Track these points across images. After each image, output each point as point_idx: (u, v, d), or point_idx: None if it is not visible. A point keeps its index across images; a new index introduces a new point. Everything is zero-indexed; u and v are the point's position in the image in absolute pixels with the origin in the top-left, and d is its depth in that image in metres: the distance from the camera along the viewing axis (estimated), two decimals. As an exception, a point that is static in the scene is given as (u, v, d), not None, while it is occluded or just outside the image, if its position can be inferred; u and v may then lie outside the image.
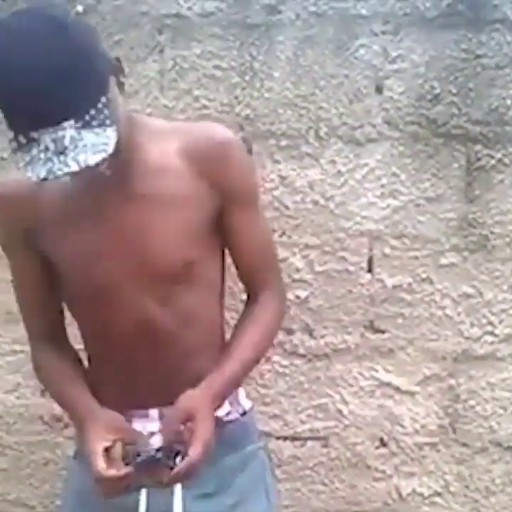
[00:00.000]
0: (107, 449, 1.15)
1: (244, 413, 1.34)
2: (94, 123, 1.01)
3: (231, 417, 1.30)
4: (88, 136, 1.01)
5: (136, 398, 1.25)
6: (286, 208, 1.72)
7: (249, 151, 1.70)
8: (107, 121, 1.02)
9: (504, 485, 1.78)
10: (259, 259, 1.32)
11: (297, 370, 1.76)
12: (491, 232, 1.71)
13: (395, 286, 1.73)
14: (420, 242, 1.72)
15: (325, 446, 1.78)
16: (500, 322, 1.74)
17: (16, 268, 1.33)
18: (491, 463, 1.77)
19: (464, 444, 1.77)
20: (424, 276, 1.73)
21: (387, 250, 1.72)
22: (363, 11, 1.67)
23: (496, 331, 1.74)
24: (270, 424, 1.77)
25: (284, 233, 1.72)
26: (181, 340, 1.25)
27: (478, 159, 1.69)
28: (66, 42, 1.01)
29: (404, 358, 1.75)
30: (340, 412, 1.77)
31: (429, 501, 1.79)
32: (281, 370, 1.76)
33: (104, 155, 1.01)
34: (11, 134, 1.03)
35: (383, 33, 1.67)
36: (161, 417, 1.25)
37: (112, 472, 1.12)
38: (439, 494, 1.78)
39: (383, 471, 1.78)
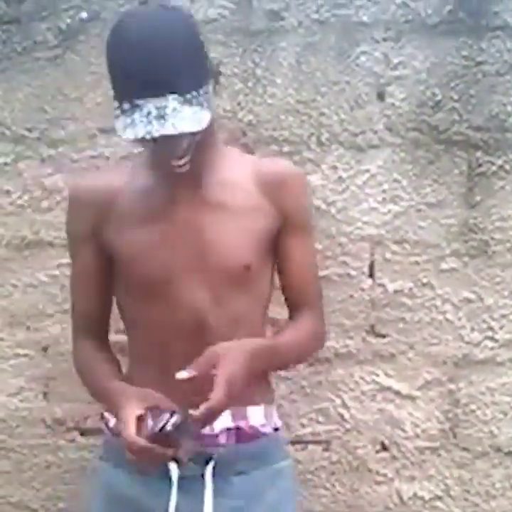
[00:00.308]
0: (139, 418, 1.16)
1: (276, 429, 1.37)
2: (194, 102, 1.15)
3: (265, 429, 1.33)
4: (187, 111, 1.14)
5: (174, 400, 1.23)
6: (288, 213, 1.73)
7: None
8: (205, 104, 1.17)
9: (504, 489, 1.78)
10: (304, 283, 1.40)
11: (299, 374, 1.77)
12: (492, 238, 1.72)
13: (396, 291, 1.74)
14: (421, 247, 1.73)
15: (326, 450, 1.78)
16: (501, 327, 1.75)
17: (78, 266, 1.41)
18: (491, 467, 1.78)
19: (465, 449, 1.78)
20: (425, 281, 1.74)
21: (388, 255, 1.73)
22: (365, 18, 1.68)
23: (497, 336, 1.75)
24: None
25: (285, 238, 1.73)
26: (228, 326, 1.30)
27: (479, 165, 1.70)
28: (188, 29, 1.19)
29: (405, 363, 1.76)
30: (341, 416, 1.78)
31: (430, 505, 1.79)
32: (282, 374, 1.76)
33: (198, 127, 1.14)
34: (116, 103, 1.17)
35: (385, 40, 1.68)
36: (234, 419, 1.29)
37: (142, 441, 1.13)
38: (439, 498, 1.79)
39: (384, 475, 1.79)
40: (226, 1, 1.68)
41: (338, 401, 1.77)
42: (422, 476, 1.78)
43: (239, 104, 1.70)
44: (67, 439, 1.81)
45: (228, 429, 1.28)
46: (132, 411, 1.16)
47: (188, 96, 1.14)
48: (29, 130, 1.74)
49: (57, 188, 1.75)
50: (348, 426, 1.78)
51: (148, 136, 1.12)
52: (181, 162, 1.21)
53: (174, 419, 1.14)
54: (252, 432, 1.30)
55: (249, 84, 1.69)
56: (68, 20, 1.71)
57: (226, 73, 1.69)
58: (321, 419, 1.78)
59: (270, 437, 1.35)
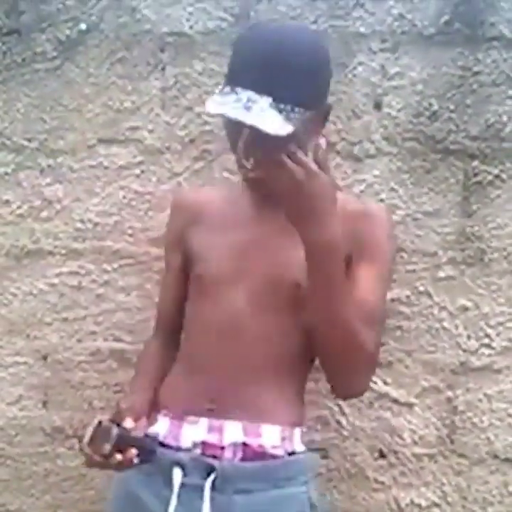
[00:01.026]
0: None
1: (292, 453, 1.30)
2: (284, 113, 1.15)
3: (276, 451, 1.28)
4: (272, 115, 1.14)
5: (192, 406, 1.30)
6: (286, 222, 1.74)
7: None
8: (293, 121, 1.15)
9: (501, 496, 1.79)
10: (363, 316, 1.24)
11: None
12: (488, 246, 1.73)
13: (393, 299, 1.75)
14: (418, 255, 1.74)
15: (324, 457, 1.79)
16: (498, 335, 1.76)
17: (166, 269, 1.54)
18: (488, 474, 1.78)
19: (462, 456, 1.78)
20: (422, 289, 1.75)
21: (385, 264, 1.74)
22: (362, 29, 1.69)
23: (493, 344, 1.76)
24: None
25: (283, 247, 1.74)
26: (259, 353, 1.31)
27: (476, 175, 1.72)
28: (319, 53, 1.23)
29: (403, 370, 1.77)
30: (339, 423, 1.79)
31: (427, 512, 1.80)
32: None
33: (270, 131, 1.12)
34: (221, 86, 1.22)
35: (381, 50, 1.70)
36: (209, 428, 1.28)
37: (87, 449, 1.24)
38: (437, 505, 1.80)
39: (382, 482, 1.79)
40: (224, 13, 1.69)
41: (335, 408, 1.78)
42: (419, 483, 1.79)
43: (237, 114, 1.71)
44: (66, 447, 1.82)
45: (235, 444, 1.26)
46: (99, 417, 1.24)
47: (282, 106, 1.16)
48: (29, 140, 1.75)
49: (57, 197, 1.76)
50: (345, 433, 1.79)
51: (226, 115, 1.16)
52: (245, 162, 1.21)
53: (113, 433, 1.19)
54: (260, 452, 1.26)
55: (248, 94, 1.70)
56: (68, 32, 1.72)
57: (224, 84, 1.70)
58: (318, 426, 1.79)
59: (282, 461, 1.28)
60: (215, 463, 1.25)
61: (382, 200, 1.72)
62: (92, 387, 1.78)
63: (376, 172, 1.72)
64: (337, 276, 1.17)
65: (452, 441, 1.78)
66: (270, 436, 1.27)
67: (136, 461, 1.19)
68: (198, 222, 1.42)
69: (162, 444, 1.29)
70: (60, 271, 1.77)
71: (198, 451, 1.27)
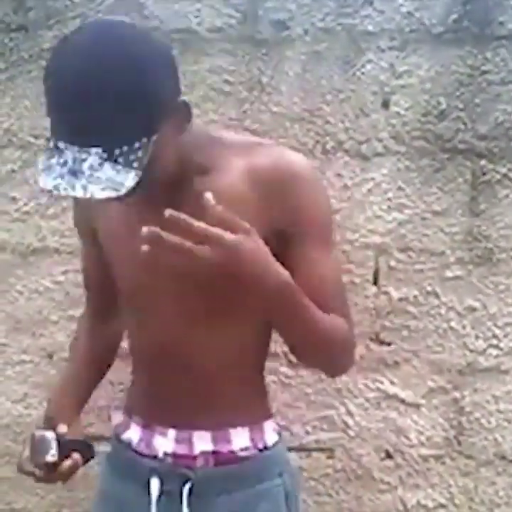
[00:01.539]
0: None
1: (264, 448, 1.27)
2: (120, 160, 0.98)
3: (247, 453, 1.24)
4: (108, 171, 0.97)
5: (160, 414, 1.25)
6: (293, 220, 1.73)
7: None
8: (135, 164, 0.98)
9: (508, 497, 1.78)
10: (318, 299, 1.11)
11: (303, 381, 1.77)
12: (496, 246, 1.73)
13: (400, 299, 1.74)
14: (426, 255, 1.73)
15: (330, 457, 1.79)
16: (505, 335, 1.75)
17: (83, 250, 1.40)
18: (495, 475, 1.78)
19: (469, 457, 1.78)
20: (429, 289, 1.74)
21: (392, 263, 1.74)
22: (370, 28, 1.69)
23: (501, 344, 1.75)
24: (276, 436, 1.77)
25: (290, 246, 1.73)
26: (210, 361, 1.22)
27: (484, 174, 1.71)
28: (126, 67, 0.97)
29: (410, 371, 1.76)
30: (345, 423, 1.78)
31: (434, 513, 1.79)
32: (287, 381, 1.77)
33: (112, 195, 0.97)
34: (51, 142, 1.01)
35: (390, 48, 1.69)
36: (177, 439, 1.23)
37: (29, 467, 1.21)
38: (443, 506, 1.79)
39: (388, 483, 1.79)
40: (232, 10, 1.69)
41: (342, 409, 1.77)
42: (426, 484, 1.78)
43: (244, 112, 1.71)
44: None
45: (206, 453, 1.22)
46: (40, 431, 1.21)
47: (116, 152, 0.97)
48: (36, 137, 1.75)
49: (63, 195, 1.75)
50: (352, 434, 1.78)
51: (55, 192, 0.99)
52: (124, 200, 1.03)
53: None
54: (232, 457, 1.23)
55: (255, 92, 1.70)
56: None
57: (232, 81, 1.70)
58: (325, 426, 1.78)
59: (254, 459, 1.25)
60: (189, 472, 1.22)
61: (389, 199, 1.72)
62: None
63: (384, 171, 1.71)
64: (300, 310, 1.07)
65: (459, 442, 1.77)
66: (239, 440, 1.23)
67: (80, 462, 1.21)
68: (102, 225, 1.25)
69: (136, 451, 1.27)
70: (66, 269, 1.77)
71: (170, 460, 1.23)
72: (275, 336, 1.74)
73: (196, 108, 1.71)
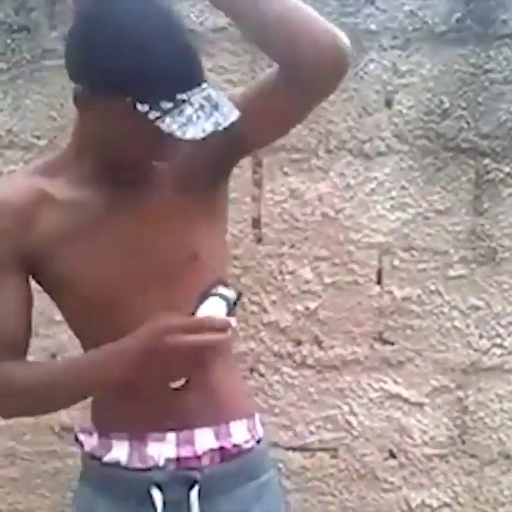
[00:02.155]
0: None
1: (259, 440, 1.26)
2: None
3: (249, 445, 1.23)
4: (221, 95, 1.05)
5: (153, 420, 1.16)
6: (296, 220, 1.73)
7: (260, 163, 1.72)
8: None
9: (513, 496, 1.78)
10: None
11: (306, 381, 1.77)
12: (500, 245, 1.72)
13: (403, 298, 1.74)
14: (429, 254, 1.73)
15: (334, 457, 1.78)
16: (509, 334, 1.74)
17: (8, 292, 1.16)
18: (499, 474, 1.77)
19: (473, 456, 1.77)
20: (432, 288, 1.74)
21: (396, 262, 1.74)
22: (373, 26, 1.68)
23: (505, 343, 1.75)
24: (279, 435, 1.77)
25: (293, 245, 1.73)
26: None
27: (487, 173, 1.71)
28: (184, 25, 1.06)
29: (413, 370, 1.76)
30: (349, 423, 1.78)
31: (438, 513, 1.79)
32: (290, 381, 1.77)
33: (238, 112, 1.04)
34: (146, 106, 0.99)
35: (392, 47, 1.69)
36: (178, 442, 1.17)
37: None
38: (448, 506, 1.79)
39: (392, 483, 1.78)
40: (235, 9, 1.69)
41: (345, 408, 1.77)
42: (430, 484, 1.78)
43: (247, 111, 1.70)
44: (75, 446, 1.81)
45: (211, 450, 1.18)
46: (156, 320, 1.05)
47: (208, 81, 1.05)
48: (38, 138, 1.75)
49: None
50: (355, 433, 1.78)
51: (219, 129, 1.01)
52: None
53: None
54: (236, 451, 1.20)
55: (258, 92, 1.70)
56: (77, 29, 1.72)
57: (235, 81, 1.70)
58: (328, 426, 1.78)
59: (254, 451, 1.24)
60: (196, 474, 1.16)
61: (393, 198, 1.72)
62: (101, 386, 1.77)
63: (387, 170, 1.71)
64: None
65: (463, 442, 1.77)
66: (240, 433, 1.21)
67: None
68: (38, 236, 1.13)
69: (125, 468, 1.17)
70: (69, 269, 1.77)
71: (172, 467, 1.16)
72: (278, 336, 1.75)
73: (199, 108, 1.71)
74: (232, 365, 1.30)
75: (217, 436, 1.19)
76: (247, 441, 1.23)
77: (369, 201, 1.72)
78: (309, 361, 1.76)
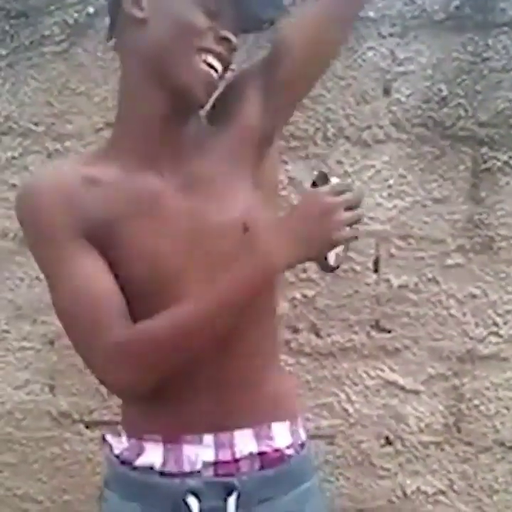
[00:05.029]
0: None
1: (302, 444, 1.21)
2: None
3: (291, 451, 1.16)
4: None
5: (188, 420, 1.11)
6: (294, 208, 1.73)
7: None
8: None
9: (507, 484, 1.79)
10: None
11: (303, 368, 1.77)
12: (497, 234, 1.73)
13: (400, 286, 1.74)
14: (426, 242, 1.73)
15: (330, 444, 1.79)
16: (505, 323, 1.75)
17: (75, 259, 1.08)
18: (494, 462, 1.78)
19: (468, 443, 1.78)
20: (429, 276, 1.74)
21: (393, 251, 1.74)
22: (371, 14, 1.68)
23: (501, 332, 1.75)
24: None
25: (291, 233, 1.73)
26: (246, 340, 1.12)
27: (485, 161, 1.71)
28: None
29: (410, 358, 1.76)
30: (345, 410, 1.78)
31: (433, 500, 1.80)
32: (287, 368, 1.77)
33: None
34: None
35: (391, 35, 1.69)
36: (216, 444, 1.11)
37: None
38: (443, 493, 1.80)
39: (388, 470, 1.79)
40: (233, -4, 1.68)
41: (342, 395, 1.78)
42: (425, 471, 1.79)
43: (245, 99, 1.70)
44: (73, 431, 1.82)
45: (251, 455, 1.12)
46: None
47: None
48: (36, 124, 1.75)
49: None
50: (352, 420, 1.79)
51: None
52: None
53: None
54: (277, 456, 1.13)
55: (256, 79, 1.70)
56: (75, 15, 1.71)
57: (232, 69, 1.69)
58: (325, 413, 1.78)
59: (296, 458, 1.17)
60: (234, 481, 1.10)
61: (390, 187, 1.72)
62: (99, 372, 1.78)
63: (385, 158, 1.71)
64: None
65: (459, 429, 1.78)
66: (282, 437, 1.15)
67: None
68: (98, 215, 1.09)
69: (162, 474, 1.11)
70: (67, 256, 1.77)
71: (210, 472, 1.11)
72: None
73: (197, 95, 1.71)
74: (274, 357, 1.23)
75: (257, 438, 1.13)
76: (289, 447, 1.16)
77: (366, 189, 1.72)
78: (306, 349, 1.77)
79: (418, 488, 1.80)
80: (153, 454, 1.11)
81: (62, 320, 1.12)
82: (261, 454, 1.12)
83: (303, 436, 1.22)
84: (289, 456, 1.15)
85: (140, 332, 1.05)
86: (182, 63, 1.09)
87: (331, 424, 1.79)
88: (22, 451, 1.84)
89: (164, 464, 1.11)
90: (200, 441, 1.11)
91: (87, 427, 1.82)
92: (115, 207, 1.10)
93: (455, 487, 1.79)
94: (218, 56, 1.12)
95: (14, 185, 1.76)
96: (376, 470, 1.79)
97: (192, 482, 1.09)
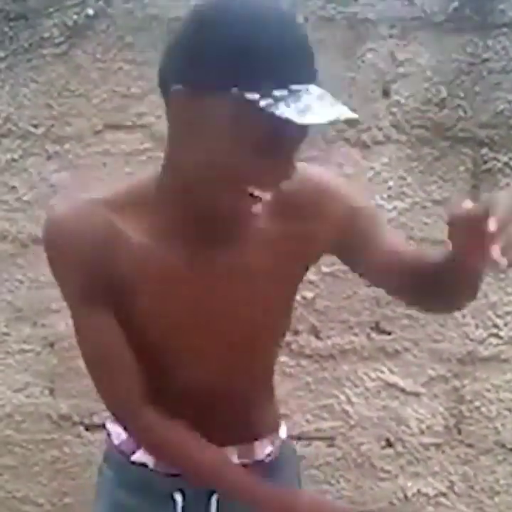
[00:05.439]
0: None
1: (281, 443, 1.25)
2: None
3: (272, 457, 1.22)
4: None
5: (211, 436, 1.12)
6: (294, 209, 1.73)
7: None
8: None
9: (508, 486, 1.79)
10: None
11: (303, 370, 1.77)
12: (497, 235, 1.72)
13: (401, 288, 1.74)
14: (426, 243, 1.73)
15: (331, 446, 1.79)
16: (506, 324, 1.75)
17: (99, 321, 1.08)
18: (495, 464, 1.78)
19: (469, 445, 1.78)
20: (430, 278, 1.74)
21: (393, 252, 1.74)
22: (371, 15, 1.68)
23: (501, 333, 1.75)
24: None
25: (291, 235, 1.73)
26: (254, 374, 1.17)
27: (485, 162, 1.71)
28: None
29: (410, 359, 1.76)
30: (346, 412, 1.78)
31: (434, 501, 1.80)
32: (287, 370, 1.77)
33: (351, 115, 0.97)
34: (255, 95, 0.89)
35: (390, 36, 1.69)
36: (240, 456, 1.17)
37: None
38: (443, 494, 1.79)
39: (388, 472, 1.79)
40: (232, -3, 1.68)
41: (342, 397, 1.78)
42: (426, 473, 1.79)
43: (245, 100, 1.70)
44: (73, 434, 1.82)
45: None
46: None
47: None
48: (35, 126, 1.75)
49: (63, 184, 1.75)
50: (352, 422, 1.78)
51: (343, 118, 0.93)
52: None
53: None
54: (258, 465, 1.19)
55: (255, 81, 1.70)
56: (75, 17, 1.71)
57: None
58: (325, 415, 1.78)
59: (277, 458, 1.23)
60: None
61: (390, 188, 1.72)
62: (99, 375, 1.78)
63: (384, 159, 1.71)
64: None
65: (459, 431, 1.78)
66: (263, 451, 1.21)
67: None
68: (122, 274, 1.05)
69: (154, 471, 1.18)
70: (67, 258, 1.77)
71: None
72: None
73: (196, 97, 1.71)
74: (270, 379, 1.25)
75: (239, 455, 1.18)
76: (269, 455, 1.21)
77: (367, 191, 1.72)
78: (306, 351, 1.77)
79: (419, 491, 1.79)
80: (146, 455, 1.17)
81: (84, 358, 1.12)
82: (243, 464, 1.17)
83: (282, 435, 1.26)
84: (268, 456, 1.21)
85: (170, 441, 1.12)
86: (218, 197, 1.00)
87: (331, 425, 1.79)
88: (22, 453, 1.84)
89: (157, 464, 1.16)
90: None
91: (87, 430, 1.81)
92: (140, 271, 1.05)
93: (456, 489, 1.79)
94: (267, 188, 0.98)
95: (13, 188, 1.76)
96: (377, 472, 1.79)
97: (178, 481, 1.16)
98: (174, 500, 1.17)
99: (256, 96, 0.88)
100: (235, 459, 1.18)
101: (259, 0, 0.93)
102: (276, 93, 0.89)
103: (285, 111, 0.88)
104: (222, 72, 0.90)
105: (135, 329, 1.08)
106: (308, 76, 0.92)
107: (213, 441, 1.12)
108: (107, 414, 1.15)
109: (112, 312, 1.07)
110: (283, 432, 1.28)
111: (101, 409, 1.76)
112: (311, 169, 1.11)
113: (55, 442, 1.83)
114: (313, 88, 0.91)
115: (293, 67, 0.91)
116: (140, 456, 1.17)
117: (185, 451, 1.12)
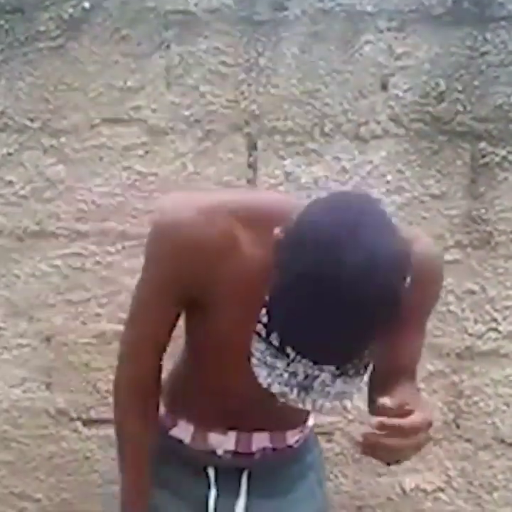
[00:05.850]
0: None
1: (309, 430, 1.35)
2: (350, 372, 0.91)
3: (301, 441, 1.31)
4: (338, 385, 0.91)
5: (216, 421, 1.23)
6: (291, 204, 1.72)
7: (254, 146, 1.71)
8: (362, 371, 0.92)
9: (507, 481, 1.78)
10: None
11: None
12: (495, 229, 1.72)
13: (399, 283, 1.73)
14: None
15: (329, 441, 1.79)
16: (504, 319, 1.74)
17: (153, 313, 1.12)
18: (494, 459, 1.78)
19: (468, 440, 1.78)
20: (428, 272, 1.73)
21: (391, 246, 1.73)
22: (369, 8, 1.67)
23: (500, 328, 1.74)
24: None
25: (288, 229, 1.73)
26: None
27: (483, 156, 1.70)
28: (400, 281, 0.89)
29: (408, 354, 1.75)
30: (344, 407, 1.77)
31: (432, 497, 1.79)
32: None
33: (338, 407, 0.93)
34: (263, 345, 0.91)
35: (388, 29, 1.68)
36: (237, 441, 1.25)
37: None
38: (442, 490, 1.79)
39: (387, 467, 1.78)
40: (229, -10, 1.68)
41: (340, 392, 1.77)
42: (424, 468, 1.78)
43: (242, 93, 1.69)
44: (71, 429, 1.81)
45: (264, 448, 1.27)
46: None
47: (349, 366, 0.90)
48: (31, 120, 1.74)
49: (60, 178, 1.75)
50: (350, 417, 1.78)
51: (282, 400, 0.91)
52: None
53: None
54: (288, 449, 1.29)
55: (253, 74, 1.69)
56: (71, 10, 1.70)
57: (229, 63, 1.69)
58: (323, 410, 1.78)
59: (301, 441, 1.32)
60: (247, 463, 1.26)
61: (388, 182, 1.71)
62: (96, 370, 1.77)
63: (383, 153, 1.70)
64: None
65: (458, 426, 1.77)
66: (293, 436, 1.29)
67: None
68: (217, 283, 1.05)
69: (189, 448, 1.27)
70: (63, 252, 1.76)
71: (229, 457, 1.26)
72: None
73: (194, 90, 1.70)
74: None
75: (271, 441, 1.27)
76: (297, 441, 1.30)
77: (364, 185, 1.71)
78: (304, 345, 1.76)
79: (417, 486, 1.79)
80: (184, 432, 1.26)
81: (121, 339, 1.24)
82: (273, 448, 1.27)
83: (310, 423, 1.34)
84: (297, 441, 1.30)
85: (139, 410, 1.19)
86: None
87: (329, 420, 1.78)
88: (19, 449, 1.83)
89: (192, 442, 1.26)
90: (225, 434, 1.25)
91: (84, 425, 1.81)
92: (234, 284, 1.05)
93: (454, 484, 1.79)
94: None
95: (10, 182, 1.76)
96: (375, 467, 1.79)
97: (214, 457, 1.25)
98: (207, 474, 1.26)
99: (263, 345, 0.91)
100: (268, 443, 1.26)
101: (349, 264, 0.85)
102: (282, 349, 0.89)
103: (260, 357, 0.91)
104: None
105: (199, 333, 1.15)
106: (319, 358, 0.88)
107: (249, 427, 1.22)
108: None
109: (175, 316, 1.13)
110: (311, 422, 1.35)
111: (98, 404, 1.77)
112: None
113: (53, 437, 1.82)
114: (299, 366, 0.89)
115: (314, 348, 0.88)
116: (177, 431, 1.26)
117: (127, 464, 1.21)
